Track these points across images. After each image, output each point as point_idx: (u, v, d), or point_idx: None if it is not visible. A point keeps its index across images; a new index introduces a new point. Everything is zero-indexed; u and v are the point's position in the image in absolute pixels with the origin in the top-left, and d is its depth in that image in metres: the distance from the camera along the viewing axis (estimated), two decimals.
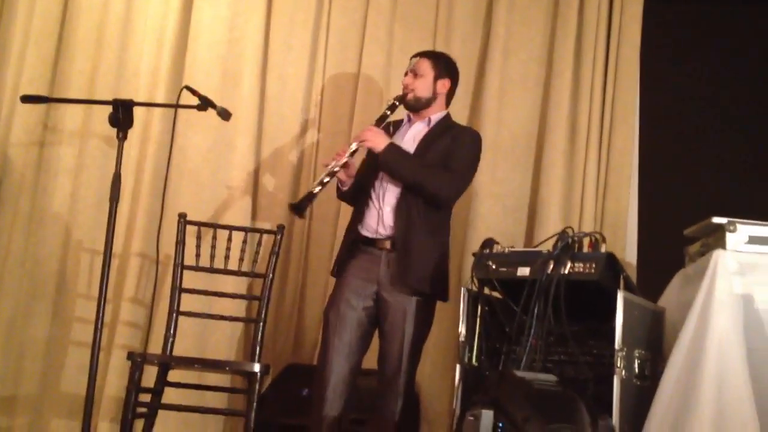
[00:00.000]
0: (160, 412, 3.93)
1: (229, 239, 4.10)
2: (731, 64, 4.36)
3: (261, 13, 4.71)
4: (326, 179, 3.51)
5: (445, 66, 3.69)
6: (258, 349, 3.92)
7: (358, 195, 3.67)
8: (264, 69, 4.72)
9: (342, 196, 3.78)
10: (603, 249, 3.39)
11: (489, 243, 3.59)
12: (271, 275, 4.05)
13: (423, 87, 3.64)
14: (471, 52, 4.60)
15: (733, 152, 4.29)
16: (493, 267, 3.50)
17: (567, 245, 3.37)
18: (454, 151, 3.53)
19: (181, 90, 3.74)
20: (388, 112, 3.67)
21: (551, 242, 3.46)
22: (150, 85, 4.69)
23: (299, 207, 3.53)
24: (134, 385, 3.68)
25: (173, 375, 3.99)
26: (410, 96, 3.65)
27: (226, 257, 4.08)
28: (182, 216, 4.12)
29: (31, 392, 4.49)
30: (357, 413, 3.77)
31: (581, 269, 3.31)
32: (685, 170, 4.31)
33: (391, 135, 3.68)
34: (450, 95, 3.72)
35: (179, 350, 4.09)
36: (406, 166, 3.51)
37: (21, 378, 4.50)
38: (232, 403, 4.38)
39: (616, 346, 3.12)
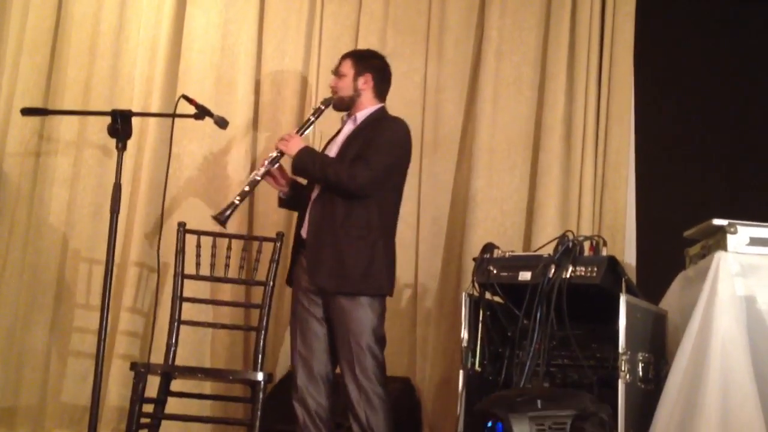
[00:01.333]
0: (162, 421, 3.93)
1: (229, 248, 4.10)
2: (728, 62, 4.37)
3: (254, 19, 4.71)
4: (247, 188, 3.62)
5: (366, 63, 3.69)
6: (260, 357, 3.92)
7: (301, 203, 3.68)
8: (258, 75, 4.72)
9: (282, 204, 3.82)
10: (604, 252, 3.42)
11: (489, 248, 3.61)
12: (271, 283, 4.05)
13: (344, 86, 3.66)
14: (464, 56, 4.61)
15: (732, 151, 4.29)
16: (494, 272, 3.52)
17: (568, 249, 3.39)
18: (371, 141, 3.51)
19: (179, 99, 3.72)
20: (312, 118, 3.72)
21: (551, 246, 3.48)
22: (144, 93, 4.69)
23: (221, 218, 3.59)
24: (138, 396, 3.67)
25: (172, 384, 3.98)
26: (335, 97, 3.69)
27: (226, 265, 4.08)
28: (182, 225, 4.12)
29: (31, 403, 4.48)
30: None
31: (583, 273, 3.33)
32: (683, 170, 4.32)
33: (329, 142, 3.72)
34: (377, 89, 3.68)
35: (178, 359, 4.08)
36: (314, 164, 3.51)
37: (21, 388, 4.50)
38: (228, 412, 4.38)
39: (620, 350, 3.14)
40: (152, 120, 4.58)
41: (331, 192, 3.50)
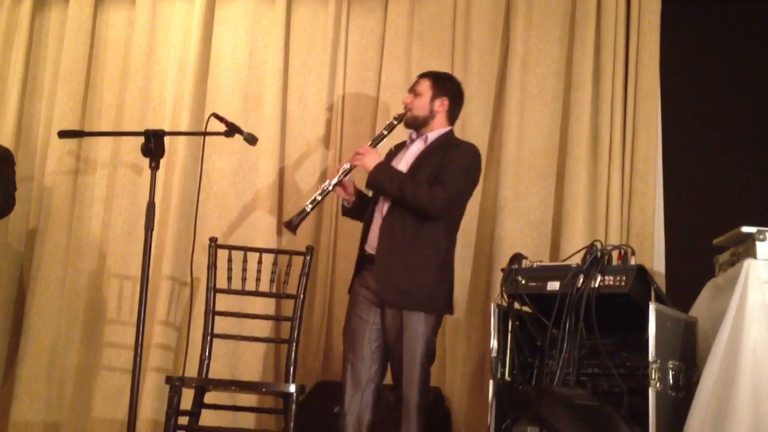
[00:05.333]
0: None
1: (260, 261, 4.14)
2: (754, 67, 4.35)
3: (280, 36, 4.77)
4: (319, 197, 3.70)
5: (443, 86, 3.75)
6: (292, 369, 3.96)
7: (364, 213, 3.74)
8: (285, 91, 4.78)
9: (346, 213, 3.88)
10: (633, 261, 3.43)
11: (517, 258, 3.63)
12: (302, 296, 4.09)
13: (420, 106, 3.71)
14: (490, 68, 4.63)
15: (761, 158, 4.27)
16: (523, 282, 3.54)
17: (596, 258, 3.41)
18: (445, 165, 3.57)
19: (209, 117, 3.77)
20: (385, 132, 3.77)
21: (580, 256, 3.50)
22: (174, 113, 4.79)
23: (292, 224, 3.69)
24: (174, 409, 3.73)
25: (206, 396, 4.03)
26: (408, 114, 3.72)
27: (257, 279, 4.13)
28: (213, 240, 4.17)
29: (73, 418, 4.58)
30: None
31: (611, 282, 3.35)
32: (711, 177, 4.31)
33: (392, 156, 3.76)
34: (451, 113, 3.76)
35: (210, 372, 4.13)
36: (392, 182, 3.56)
37: (64, 404, 4.61)
38: (260, 423, 4.44)
39: (650, 359, 3.15)
40: (182, 138, 4.67)
41: (401, 210, 3.55)
